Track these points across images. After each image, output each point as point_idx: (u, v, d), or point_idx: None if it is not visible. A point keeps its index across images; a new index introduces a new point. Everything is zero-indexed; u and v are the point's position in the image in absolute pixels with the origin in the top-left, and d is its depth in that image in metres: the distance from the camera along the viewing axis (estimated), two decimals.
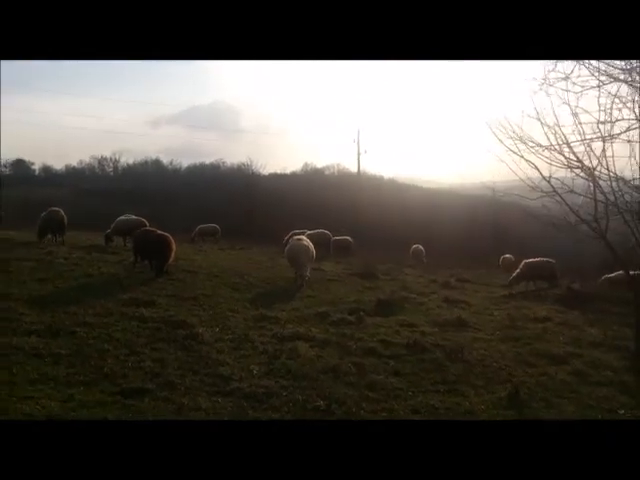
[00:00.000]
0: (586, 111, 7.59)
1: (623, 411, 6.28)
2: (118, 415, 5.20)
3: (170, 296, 10.44)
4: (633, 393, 6.93)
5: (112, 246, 17.66)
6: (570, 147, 7.96)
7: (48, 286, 10.47)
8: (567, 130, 8.00)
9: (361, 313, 10.08)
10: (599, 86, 7.22)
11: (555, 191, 8.33)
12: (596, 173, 7.96)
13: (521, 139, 8.24)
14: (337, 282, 14.47)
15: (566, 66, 7.28)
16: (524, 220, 27.12)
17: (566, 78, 7.29)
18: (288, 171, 59.38)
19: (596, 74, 7.12)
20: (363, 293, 12.94)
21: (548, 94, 7.74)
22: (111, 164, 61.56)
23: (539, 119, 8.10)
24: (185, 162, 63.03)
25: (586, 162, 7.95)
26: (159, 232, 13.31)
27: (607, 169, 7.79)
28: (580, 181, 8.33)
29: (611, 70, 7.05)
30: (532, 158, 8.39)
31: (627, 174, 8.04)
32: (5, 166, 57.35)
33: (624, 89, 7.33)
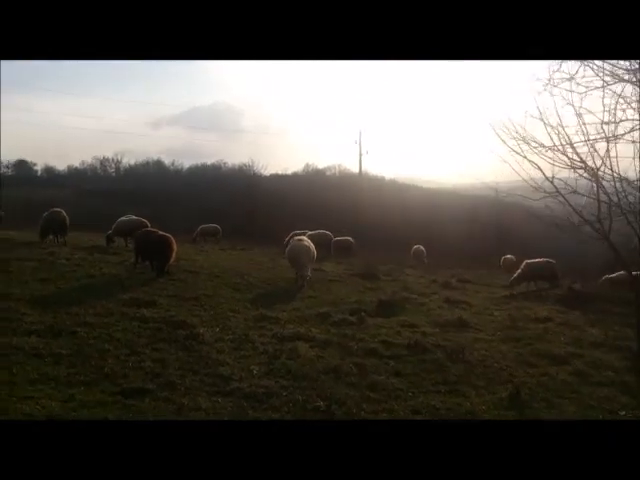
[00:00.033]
0: (590, 112, 7.58)
1: (624, 412, 6.26)
2: (119, 415, 5.20)
3: (171, 296, 10.45)
4: (634, 393, 6.92)
5: (113, 247, 17.67)
6: (573, 147, 7.94)
7: (50, 286, 10.49)
8: (570, 131, 7.98)
9: (362, 314, 10.08)
10: (603, 87, 7.20)
11: (558, 192, 8.31)
12: (599, 174, 7.94)
13: (524, 139, 8.22)
14: (338, 282, 14.47)
15: (570, 66, 7.26)
16: (526, 220, 27.14)
17: (570, 79, 7.28)
18: (289, 172, 59.43)
19: (600, 74, 7.10)
20: (364, 294, 12.93)
21: (552, 94, 7.73)
22: (113, 165, 61.62)
23: (542, 119, 8.09)
24: (186, 163, 63.17)
25: (589, 163, 7.93)
26: (160, 233, 13.32)
27: (611, 169, 7.78)
28: (583, 182, 8.31)
29: (616, 70, 7.04)
30: (535, 159, 8.37)
31: (631, 175, 8.02)
32: (7, 167, 57.50)
33: (629, 89, 7.32)
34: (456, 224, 35.11)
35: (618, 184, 7.91)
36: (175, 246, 12.92)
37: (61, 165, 62.63)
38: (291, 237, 20.29)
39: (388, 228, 35.01)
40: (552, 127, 8.06)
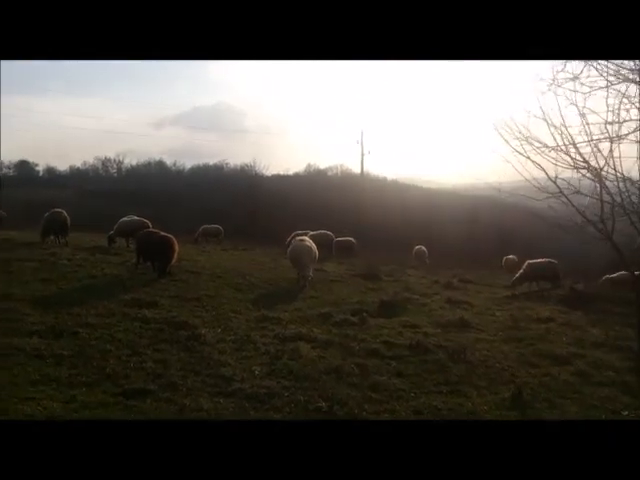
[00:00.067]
0: (593, 112, 7.56)
1: (627, 412, 6.25)
2: (120, 416, 5.20)
3: (173, 297, 10.45)
4: (636, 393, 6.91)
5: (115, 247, 17.68)
6: (576, 148, 7.92)
7: (51, 287, 10.50)
8: (573, 131, 7.96)
9: (364, 314, 10.07)
10: (607, 86, 7.18)
11: (561, 192, 8.29)
12: (603, 174, 7.92)
13: (527, 140, 8.20)
14: (340, 283, 14.46)
15: (574, 66, 7.24)
16: (528, 221, 27.12)
17: (575, 79, 7.26)
18: (291, 172, 59.46)
19: (604, 74, 7.08)
20: (366, 294, 12.93)
21: (556, 94, 7.71)
22: (115, 165, 61.72)
23: (545, 119, 8.07)
24: (188, 163, 63.22)
25: (592, 163, 7.91)
26: (162, 233, 13.33)
27: (614, 170, 7.75)
28: (586, 182, 8.29)
29: (620, 70, 7.01)
30: (538, 159, 8.35)
31: (634, 175, 8.00)
32: (9, 167, 57.61)
33: (633, 89, 7.29)
34: (458, 224, 35.12)
35: (621, 184, 7.89)
36: (177, 247, 12.93)
37: (63, 165, 62.85)
38: (293, 237, 20.28)
39: (390, 228, 34.99)
40: (555, 127, 8.04)
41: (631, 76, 7.21)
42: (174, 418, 5.27)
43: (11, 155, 58.31)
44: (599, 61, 7.08)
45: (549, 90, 7.72)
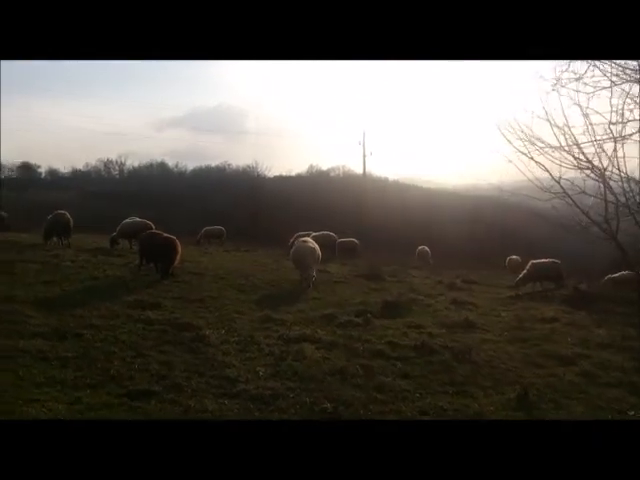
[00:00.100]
0: (597, 112, 7.54)
1: (633, 412, 6.22)
2: (125, 417, 5.18)
3: (176, 298, 10.44)
4: None
5: (118, 249, 17.73)
6: (580, 148, 7.91)
7: (55, 289, 10.49)
8: (577, 131, 7.95)
9: (368, 315, 10.03)
10: (611, 86, 7.16)
11: (565, 192, 8.28)
12: (607, 174, 7.90)
13: (530, 140, 8.19)
14: (343, 284, 14.44)
15: (578, 66, 7.22)
16: (530, 221, 27.06)
17: (578, 79, 7.24)
18: (293, 173, 59.46)
19: (608, 74, 7.06)
20: (369, 295, 12.90)
21: (560, 94, 7.70)
22: (117, 167, 61.78)
23: (549, 120, 8.06)
24: (190, 165, 63.31)
25: (596, 163, 7.89)
26: (165, 235, 13.34)
27: (618, 169, 7.74)
28: (590, 182, 8.27)
29: (625, 70, 6.99)
30: (541, 159, 8.34)
31: (638, 174, 7.98)
32: (11, 169, 57.66)
33: (636, 89, 7.27)
34: (460, 225, 35.07)
35: (626, 184, 7.87)
36: (179, 248, 12.94)
37: (65, 167, 62.68)
38: (295, 238, 20.30)
39: (392, 229, 35.00)
40: (559, 128, 8.03)
41: (635, 76, 7.20)
42: (175, 418, 5.25)
43: (12, 156, 58.34)
44: (603, 61, 7.07)
45: (554, 90, 7.71)
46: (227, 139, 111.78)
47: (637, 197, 8.00)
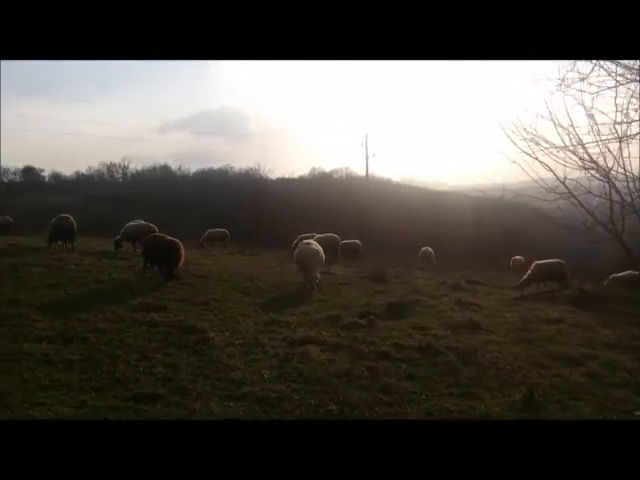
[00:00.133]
0: (602, 112, 7.52)
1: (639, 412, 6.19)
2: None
3: (180, 301, 10.44)
4: None
5: (122, 252, 17.73)
6: (585, 148, 7.90)
7: (59, 292, 10.50)
8: (581, 131, 7.93)
9: (372, 316, 10.01)
10: (616, 86, 7.14)
11: (571, 193, 8.26)
12: (612, 173, 7.88)
13: (534, 140, 8.17)
14: (347, 286, 14.42)
15: (583, 66, 7.21)
16: (534, 221, 26.99)
17: (583, 79, 7.23)
18: (296, 175, 59.48)
19: (613, 74, 7.05)
20: (374, 296, 12.88)
21: (565, 94, 7.68)
22: (120, 170, 61.93)
23: (553, 120, 8.04)
24: (193, 167, 63.35)
25: (601, 163, 7.87)
26: (168, 238, 13.35)
27: (624, 169, 7.72)
28: (594, 182, 8.25)
29: (630, 70, 6.98)
30: (546, 159, 8.32)
31: None
32: (15, 173, 57.85)
33: None
34: (464, 225, 35.05)
35: (631, 184, 7.84)
36: (183, 251, 12.94)
37: (68, 171, 62.92)
38: (298, 240, 20.27)
39: (395, 230, 34.95)
40: (563, 128, 8.02)
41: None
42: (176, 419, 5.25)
43: (12, 161, 58.52)
44: (606, 61, 7.05)
45: (559, 90, 7.68)
46: (230, 142, 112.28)
47: None
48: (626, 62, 6.98)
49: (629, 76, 7.01)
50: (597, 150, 7.78)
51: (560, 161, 8.10)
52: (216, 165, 63.81)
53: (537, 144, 8.18)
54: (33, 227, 23.66)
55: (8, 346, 7.00)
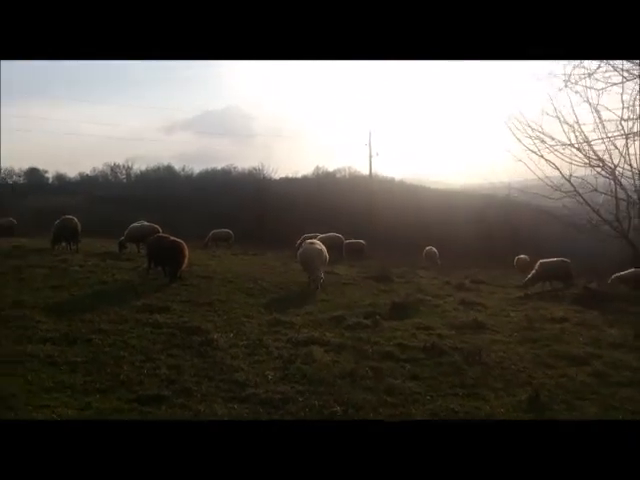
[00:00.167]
0: (608, 109, 7.47)
1: None
2: None
3: (184, 302, 10.44)
4: None
5: (126, 253, 17.75)
6: (590, 145, 7.85)
7: (63, 293, 10.53)
8: (587, 128, 7.88)
9: (376, 317, 9.99)
10: (622, 82, 7.09)
11: (576, 190, 8.21)
12: (618, 170, 7.82)
13: (540, 137, 8.12)
14: (351, 286, 14.40)
15: (589, 62, 7.15)
16: (538, 219, 26.91)
17: (590, 74, 7.17)
18: (299, 175, 59.40)
19: (619, 70, 6.99)
20: (378, 296, 12.85)
21: (571, 91, 7.62)
22: (124, 171, 61.87)
23: (558, 117, 7.99)
24: (197, 168, 63.30)
25: (607, 160, 7.81)
26: (172, 238, 13.36)
27: (630, 166, 7.66)
28: (600, 180, 8.19)
29: (636, 66, 6.92)
30: (551, 157, 8.27)
31: None
32: (19, 175, 57.96)
33: None
34: (468, 224, 34.91)
35: (637, 181, 7.79)
36: (187, 251, 12.94)
37: (72, 172, 62.92)
38: (302, 240, 20.26)
39: (399, 229, 34.92)
40: (569, 125, 7.96)
41: None
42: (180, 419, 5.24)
43: (13, 161, 58.65)
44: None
45: (567, 87, 7.62)
46: (235, 142, 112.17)
47: None
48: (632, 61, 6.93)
49: (636, 72, 6.96)
50: (603, 147, 7.72)
51: (566, 159, 8.06)
52: (220, 165, 63.83)
53: (542, 142, 8.13)
54: (37, 229, 23.72)
55: (12, 348, 7.02)
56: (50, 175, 60.61)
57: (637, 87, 7.08)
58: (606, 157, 7.72)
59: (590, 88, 7.30)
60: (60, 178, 60.44)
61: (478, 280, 17.38)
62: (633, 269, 14.89)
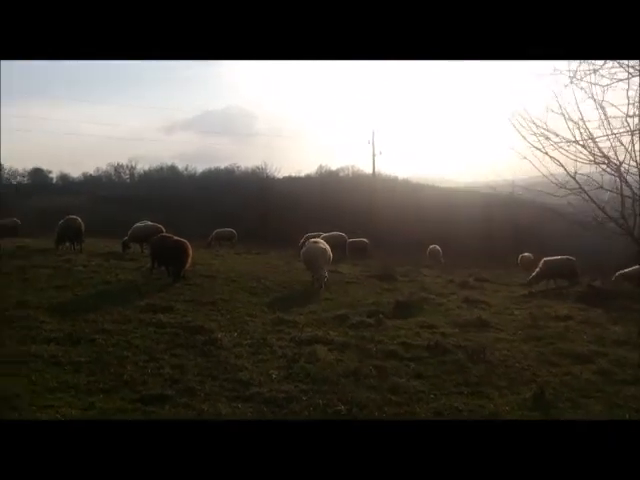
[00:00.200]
0: (613, 105, 7.41)
1: None
2: None
3: (188, 301, 10.44)
4: None
5: (129, 253, 17.76)
6: (595, 142, 7.78)
7: (67, 293, 10.54)
8: (592, 125, 7.81)
9: (380, 315, 9.97)
10: (628, 78, 7.02)
11: (582, 188, 8.15)
12: (624, 167, 7.76)
13: (544, 134, 8.06)
14: (355, 284, 14.38)
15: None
16: (542, 217, 26.84)
17: (595, 70, 7.11)
18: (302, 174, 59.43)
19: (625, 65, 6.93)
20: (381, 295, 12.84)
21: (580, 88, 7.56)
22: (127, 171, 62.10)
23: (563, 114, 7.93)
24: (200, 167, 63.42)
25: (612, 157, 7.76)
26: (176, 238, 13.36)
27: (636, 162, 7.59)
28: (605, 177, 8.13)
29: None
30: (556, 154, 8.21)
31: None
32: (23, 175, 58.16)
33: None
34: (472, 223, 34.89)
35: None
36: (191, 251, 12.95)
37: (76, 172, 63.15)
38: (305, 239, 20.26)
39: (402, 228, 34.90)
40: (574, 122, 7.89)
41: None
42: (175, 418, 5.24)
43: (13, 161, 58.82)
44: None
45: (572, 83, 7.56)
46: (236, 141, 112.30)
47: None
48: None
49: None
50: (608, 144, 7.65)
51: (570, 156, 7.96)
52: (222, 165, 63.90)
53: (547, 138, 8.04)
54: (41, 229, 23.75)
55: (16, 348, 7.03)
56: (54, 175, 60.87)
57: None
58: (611, 154, 7.66)
59: (595, 84, 7.23)
60: (64, 178, 60.73)
61: (482, 278, 17.35)
62: (637, 266, 14.85)
